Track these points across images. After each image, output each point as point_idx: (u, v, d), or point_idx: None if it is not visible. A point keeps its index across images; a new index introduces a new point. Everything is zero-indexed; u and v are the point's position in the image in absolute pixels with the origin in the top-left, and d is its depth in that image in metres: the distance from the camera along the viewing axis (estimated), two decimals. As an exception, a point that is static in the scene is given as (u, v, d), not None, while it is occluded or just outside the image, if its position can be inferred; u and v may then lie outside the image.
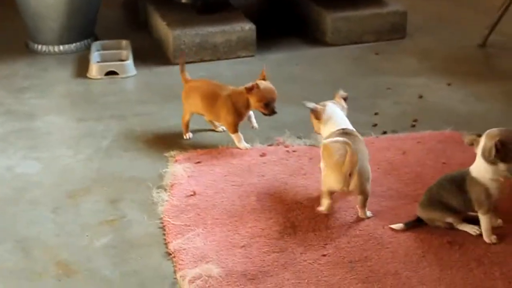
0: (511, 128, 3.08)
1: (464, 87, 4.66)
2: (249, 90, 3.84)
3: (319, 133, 3.54)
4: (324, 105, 3.50)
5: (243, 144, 3.94)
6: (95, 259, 3.12)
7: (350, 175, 3.20)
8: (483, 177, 3.08)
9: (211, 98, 3.97)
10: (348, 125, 3.45)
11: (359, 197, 3.29)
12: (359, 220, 3.28)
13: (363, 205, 3.31)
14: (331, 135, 3.37)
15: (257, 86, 3.82)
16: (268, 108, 3.84)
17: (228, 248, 3.13)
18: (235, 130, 3.95)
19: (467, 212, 3.19)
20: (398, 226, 3.22)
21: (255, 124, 4.02)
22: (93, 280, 3.00)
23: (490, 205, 3.09)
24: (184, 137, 4.07)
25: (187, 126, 4.08)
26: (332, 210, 3.35)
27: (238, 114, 3.92)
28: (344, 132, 3.35)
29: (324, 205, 3.34)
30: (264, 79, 3.90)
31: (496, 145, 2.99)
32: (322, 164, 3.36)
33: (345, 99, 3.57)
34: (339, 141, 3.21)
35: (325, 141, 3.31)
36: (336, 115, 3.47)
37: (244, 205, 3.43)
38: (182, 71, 4.10)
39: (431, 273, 2.95)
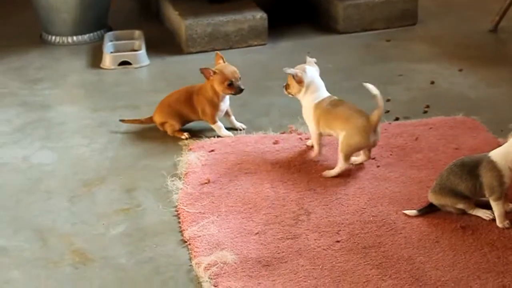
0: None
1: (475, 72, 4.66)
2: (207, 77, 3.89)
3: (293, 95, 3.70)
4: (304, 69, 3.67)
5: (224, 132, 3.97)
6: (111, 247, 3.15)
7: (374, 130, 3.48)
8: (504, 163, 3.08)
9: (186, 100, 4.00)
10: (326, 91, 3.67)
11: (370, 149, 3.58)
12: (372, 206, 3.30)
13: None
14: (321, 102, 3.61)
15: (214, 71, 3.87)
16: (233, 87, 3.87)
17: (243, 235, 3.15)
18: (214, 121, 3.97)
19: (477, 198, 3.19)
20: (412, 212, 3.23)
21: (237, 125, 4.07)
22: (109, 268, 3.02)
23: (502, 192, 3.10)
24: (182, 137, 4.00)
25: (179, 130, 4.04)
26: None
27: (213, 105, 3.94)
28: (335, 100, 3.61)
29: (340, 169, 3.52)
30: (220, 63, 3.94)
31: None
32: (331, 131, 3.59)
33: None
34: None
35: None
36: (316, 79, 3.67)
37: (258, 192, 3.45)
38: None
39: (445, 258, 2.97)
